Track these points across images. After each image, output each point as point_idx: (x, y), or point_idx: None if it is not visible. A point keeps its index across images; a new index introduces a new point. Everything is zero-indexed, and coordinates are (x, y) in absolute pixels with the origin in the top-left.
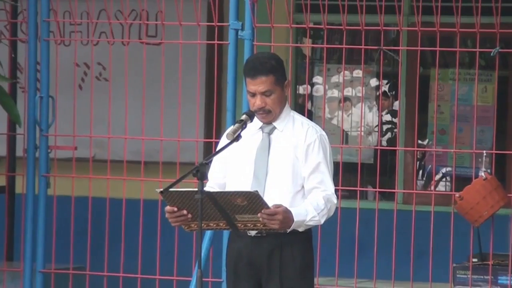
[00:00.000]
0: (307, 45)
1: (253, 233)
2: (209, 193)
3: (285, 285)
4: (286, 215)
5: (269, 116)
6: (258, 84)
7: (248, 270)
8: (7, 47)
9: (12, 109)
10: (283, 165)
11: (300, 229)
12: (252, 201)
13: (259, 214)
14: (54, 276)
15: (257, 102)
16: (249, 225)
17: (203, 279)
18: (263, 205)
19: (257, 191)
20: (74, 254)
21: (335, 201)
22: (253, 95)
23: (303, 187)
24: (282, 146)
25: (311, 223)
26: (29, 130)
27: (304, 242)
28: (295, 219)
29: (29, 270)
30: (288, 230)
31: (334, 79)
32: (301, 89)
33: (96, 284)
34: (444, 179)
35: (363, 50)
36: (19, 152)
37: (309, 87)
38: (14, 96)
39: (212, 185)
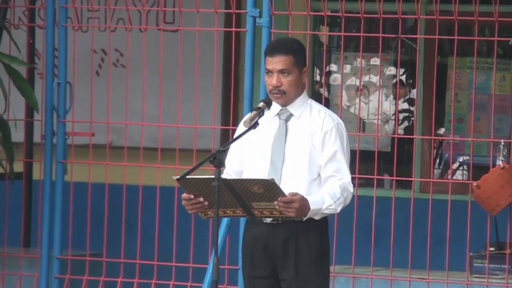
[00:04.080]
0: (324, 33)
1: (268, 220)
2: (225, 180)
3: (300, 272)
4: (303, 203)
5: (283, 98)
6: (276, 62)
7: (264, 257)
8: (25, 33)
9: (30, 95)
10: (299, 153)
11: (316, 218)
12: (268, 189)
13: (275, 202)
14: (70, 262)
15: (273, 81)
16: (265, 212)
17: (220, 267)
18: (280, 193)
19: (273, 179)
20: (91, 240)
21: (351, 189)
22: (270, 74)
23: (319, 175)
24: (299, 133)
25: (327, 211)
26: (46, 116)
27: (320, 230)
28: (311, 207)
29: (46, 256)
30: (305, 219)
31: (352, 67)
32: (318, 77)
33: (112, 271)
34: (461, 168)
35: (380, 38)
36: (37, 138)
37: (326, 75)
38: (32, 82)
39: (229, 172)
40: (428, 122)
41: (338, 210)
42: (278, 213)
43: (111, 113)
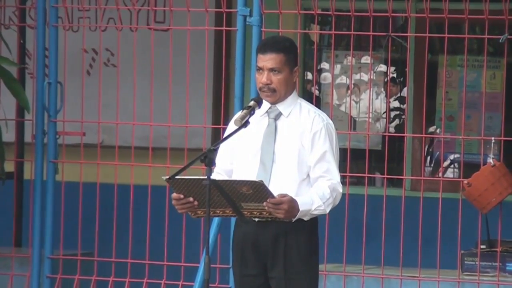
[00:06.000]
0: (315, 31)
1: (257, 218)
2: (215, 181)
3: (290, 271)
4: (292, 205)
5: (273, 96)
6: (267, 60)
7: (254, 255)
8: (15, 33)
9: (21, 95)
10: (289, 153)
11: (305, 218)
12: (257, 190)
13: (264, 203)
14: (62, 262)
15: (263, 78)
16: (255, 213)
17: (211, 266)
18: (268, 194)
19: (261, 180)
20: (82, 240)
21: (340, 190)
22: (261, 71)
23: (308, 175)
24: (288, 133)
25: (316, 212)
26: (37, 116)
27: (309, 229)
28: (300, 209)
29: (37, 256)
30: (294, 220)
31: (342, 65)
32: (309, 75)
33: (104, 270)
34: (452, 166)
35: (371, 36)
36: (28, 138)
37: (317, 73)
38: (22, 82)
39: (219, 171)
40: (419, 120)
41: (327, 210)
42: (267, 214)
43: (102, 113)
